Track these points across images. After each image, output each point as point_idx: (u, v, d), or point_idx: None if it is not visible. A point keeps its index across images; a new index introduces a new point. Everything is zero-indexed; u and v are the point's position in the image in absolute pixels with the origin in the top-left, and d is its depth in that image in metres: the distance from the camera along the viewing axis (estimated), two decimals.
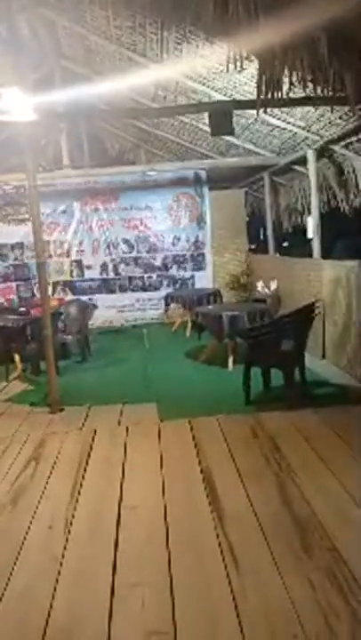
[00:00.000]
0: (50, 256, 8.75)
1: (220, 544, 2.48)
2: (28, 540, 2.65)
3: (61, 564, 2.42)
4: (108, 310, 9.01)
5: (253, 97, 4.11)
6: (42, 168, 8.47)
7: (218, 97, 5.91)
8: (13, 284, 9.05)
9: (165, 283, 9.20)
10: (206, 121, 5.34)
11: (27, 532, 2.70)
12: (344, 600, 2.05)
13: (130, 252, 9.14)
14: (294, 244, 12.71)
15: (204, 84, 5.85)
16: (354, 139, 5.60)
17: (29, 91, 4.42)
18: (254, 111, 5.16)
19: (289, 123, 6.07)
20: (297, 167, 7.34)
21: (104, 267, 9.13)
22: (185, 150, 8.70)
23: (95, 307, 7.50)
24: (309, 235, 6.74)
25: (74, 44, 6.61)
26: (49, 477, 3.34)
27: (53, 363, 4.75)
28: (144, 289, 9.20)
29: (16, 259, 9.00)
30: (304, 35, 3.04)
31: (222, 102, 5.68)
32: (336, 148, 5.99)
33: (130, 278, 9.19)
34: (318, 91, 3.74)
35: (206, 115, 5.12)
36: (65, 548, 2.55)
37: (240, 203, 9.41)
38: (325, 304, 5.55)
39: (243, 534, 2.56)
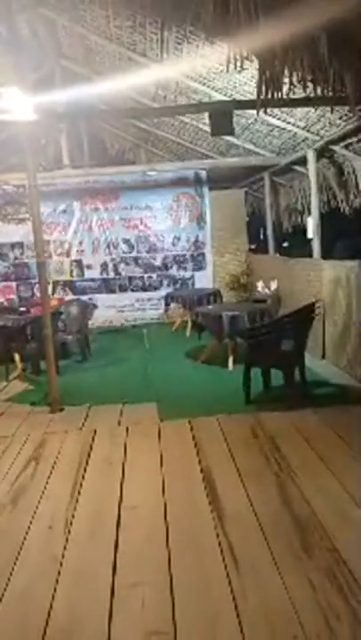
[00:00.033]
0: (50, 256, 8.75)
1: (220, 544, 2.48)
2: (28, 539, 2.65)
3: (61, 564, 2.42)
4: (108, 310, 9.01)
5: (254, 97, 4.10)
6: (42, 168, 8.47)
7: (218, 97, 5.92)
8: (13, 284, 9.05)
9: (165, 282, 9.20)
10: (206, 121, 5.35)
11: (27, 532, 2.70)
12: (344, 600, 2.05)
13: (130, 252, 9.14)
14: (294, 244, 12.70)
15: (204, 84, 5.85)
16: (354, 139, 5.60)
17: (29, 90, 4.42)
18: (254, 111, 5.16)
19: (289, 123, 6.07)
20: (297, 167, 7.34)
21: (104, 266, 9.13)
22: (185, 150, 8.70)
23: (95, 306, 7.50)
24: (309, 235, 6.74)
25: (74, 44, 6.61)
26: (49, 477, 3.34)
27: (53, 362, 4.75)
28: (144, 289, 9.20)
29: (16, 258, 9.00)
30: (304, 35, 3.04)
31: (222, 102, 5.68)
32: (336, 148, 5.99)
33: (130, 278, 9.19)
34: (318, 91, 3.74)
35: (206, 115, 5.13)
36: (65, 548, 2.55)
37: (240, 203, 9.41)
38: (325, 304, 5.55)
39: (243, 534, 2.56)
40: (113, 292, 9.16)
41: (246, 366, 4.59)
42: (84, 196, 8.90)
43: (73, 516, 2.83)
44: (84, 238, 9.03)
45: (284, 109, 5.67)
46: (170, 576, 2.27)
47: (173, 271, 9.21)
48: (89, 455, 3.65)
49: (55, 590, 2.24)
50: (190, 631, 1.95)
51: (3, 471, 3.47)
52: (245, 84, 5.38)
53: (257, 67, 3.72)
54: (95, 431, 4.10)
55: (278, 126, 6.31)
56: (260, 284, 7.64)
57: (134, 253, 9.14)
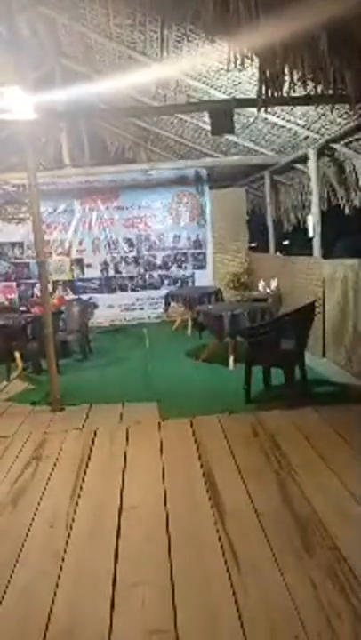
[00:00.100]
0: (50, 254, 8.75)
1: (220, 542, 2.48)
2: (29, 539, 2.65)
3: (62, 563, 2.43)
4: (109, 309, 9.01)
5: (254, 95, 4.09)
6: (42, 167, 8.47)
7: (218, 95, 5.91)
8: (14, 283, 9.06)
9: (166, 282, 9.20)
10: (207, 119, 5.34)
11: (28, 532, 2.71)
12: (345, 599, 2.05)
13: (130, 251, 9.14)
14: (295, 242, 12.70)
15: (204, 83, 5.84)
16: (355, 137, 5.59)
17: (30, 89, 4.42)
18: (255, 110, 5.16)
19: (290, 121, 6.06)
20: (298, 166, 7.33)
21: (104, 266, 9.13)
22: (185, 149, 8.70)
23: (96, 306, 7.50)
24: (310, 233, 6.74)
25: (74, 43, 6.60)
26: (50, 477, 3.35)
27: (54, 361, 4.75)
28: (144, 288, 9.20)
29: (17, 258, 9.01)
30: (305, 33, 3.03)
31: (223, 101, 5.67)
32: (337, 146, 5.99)
33: (130, 277, 9.19)
34: (319, 89, 3.74)
35: (207, 113, 5.12)
36: (66, 547, 2.56)
37: (241, 201, 9.40)
38: (326, 303, 5.55)
39: (243, 532, 2.56)
40: (113, 291, 9.16)
41: (247, 365, 4.59)
42: (84, 195, 8.90)
43: (74, 515, 2.83)
44: (85, 237, 9.02)
45: (285, 108, 5.66)
46: (170, 574, 2.28)
47: (174, 270, 9.21)
48: (90, 454, 3.66)
49: (56, 589, 2.24)
50: (191, 630, 1.96)
51: (4, 470, 3.48)
52: (246, 82, 5.38)
53: (257, 65, 3.71)
54: (96, 430, 4.11)
55: (279, 125, 6.30)
56: (260, 283, 7.64)
57: (134, 252, 9.14)
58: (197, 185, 9.07)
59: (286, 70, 3.44)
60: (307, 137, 6.24)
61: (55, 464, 3.53)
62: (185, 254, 9.20)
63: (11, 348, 6.04)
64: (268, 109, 5.65)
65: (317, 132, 5.98)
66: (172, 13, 4.50)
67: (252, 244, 11.08)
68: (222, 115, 4.64)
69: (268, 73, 3.56)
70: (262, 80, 3.62)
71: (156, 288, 9.16)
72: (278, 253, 9.07)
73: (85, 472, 3.37)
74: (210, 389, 5.06)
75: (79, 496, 3.05)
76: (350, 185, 6.39)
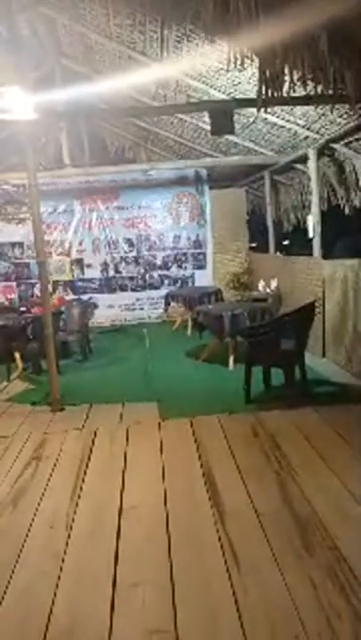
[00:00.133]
0: (50, 255, 8.75)
1: (220, 542, 2.48)
2: (29, 539, 2.65)
3: (62, 563, 2.43)
4: (109, 309, 9.01)
5: (254, 95, 4.09)
6: (42, 167, 8.47)
7: (218, 95, 5.91)
8: (14, 284, 9.06)
9: (166, 282, 9.20)
10: (207, 119, 5.34)
11: (28, 532, 2.71)
12: (345, 599, 2.05)
13: (130, 251, 9.14)
14: (295, 242, 12.70)
15: (204, 83, 5.84)
16: (355, 137, 5.59)
17: (30, 89, 4.42)
18: (255, 110, 5.16)
19: (289, 121, 6.06)
20: (298, 166, 7.33)
21: (104, 266, 9.14)
22: (185, 149, 8.70)
23: (96, 306, 7.50)
24: (310, 234, 6.74)
25: (74, 43, 6.60)
26: (50, 477, 3.35)
27: (54, 362, 4.75)
28: (144, 288, 9.21)
29: (17, 258, 9.01)
30: (305, 33, 3.04)
31: (223, 101, 5.67)
32: (337, 146, 5.99)
33: (130, 277, 9.19)
34: (319, 89, 3.74)
35: (207, 113, 5.12)
36: (66, 547, 2.56)
37: (241, 201, 9.40)
38: (326, 303, 5.55)
39: (243, 532, 2.56)
40: (113, 291, 9.16)
41: (247, 365, 4.59)
42: (84, 195, 8.90)
43: (74, 515, 2.83)
44: (85, 238, 9.03)
45: (285, 108, 5.66)
46: (171, 575, 2.28)
47: (174, 270, 9.21)
48: (90, 454, 3.66)
49: (56, 589, 2.24)
50: (191, 629, 1.96)
51: (4, 471, 3.48)
52: (246, 82, 5.38)
53: (257, 65, 3.71)
54: (96, 430, 4.11)
55: (279, 125, 6.30)
56: (260, 283, 7.64)
57: (135, 252, 9.14)
58: (197, 185, 9.07)
59: (286, 70, 3.44)
60: (307, 137, 6.24)
61: (55, 464, 3.53)
62: (185, 254, 9.20)
63: (11, 348, 6.04)
64: (268, 109, 5.65)
65: (317, 132, 5.98)
66: (172, 13, 4.50)
67: (253, 244, 11.08)
68: (222, 115, 4.64)
69: (268, 73, 3.57)
70: (262, 80, 3.62)
71: (156, 288, 9.17)
72: (278, 253, 9.07)
73: (85, 472, 3.37)
74: (210, 389, 5.06)
75: (79, 496, 3.05)
76: (350, 185, 6.39)
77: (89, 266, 9.10)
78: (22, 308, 7.29)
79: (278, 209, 9.00)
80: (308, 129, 6.04)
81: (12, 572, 2.38)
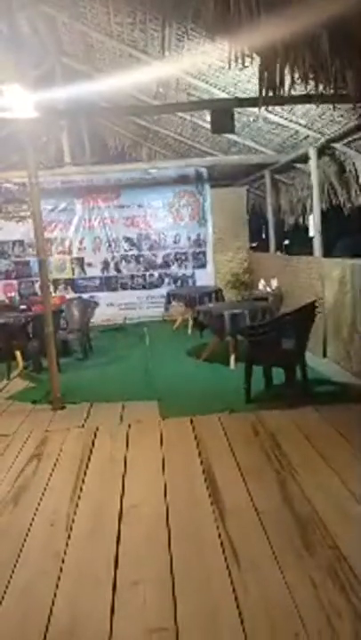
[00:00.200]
0: (50, 253, 8.75)
1: (221, 541, 2.49)
2: (30, 537, 2.65)
3: (63, 562, 2.43)
4: (110, 308, 9.02)
5: (255, 94, 4.09)
6: (42, 165, 8.46)
7: (219, 94, 5.90)
8: (14, 282, 9.06)
9: (166, 280, 9.20)
10: (207, 118, 5.34)
11: (28, 530, 2.71)
12: (346, 597, 2.05)
13: (131, 250, 9.14)
14: (296, 242, 12.68)
15: (205, 82, 5.83)
16: (355, 137, 5.59)
17: (30, 88, 4.42)
18: (256, 109, 5.15)
19: (290, 120, 6.06)
20: (298, 165, 7.32)
21: (105, 264, 9.14)
22: (186, 148, 8.69)
23: (96, 304, 7.50)
24: (311, 233, 6.73)
25: (74, 41, 6.59)
26: (51, 475, 3.35)
27: (55, 360, 4.75)
28: (145, 287, 9.21)
29: (17, 256, 9.01)
30: (306, 32, 3.03)
31: (224, 100, 5.67)
32: (338, 145, 5.98)
33: (131, 276, 9.19)
34: (320, 88, 3.73)
35: (207, 112, 5.11)
36: (66, 545, 2.56)
37: (241, 201, 9.40)
38: (327, 302, 5.55)
39: (244, 531, 2.56)
40: (114, 290, 9.17)
41: (247, 364, 4.59)
42: (84, 193, 8.90)
43: (75, 514, 2.84)
44: (85, 236, 9.03)
45: (286, 107, 5.66)
46: (171, 573, 2.28)
47: (174, 269, 9.22)
48: (90, 453, 3.66)
49: (56, 589, 2.24)
50: (191, 627, 1.96)
51: (4, 469, 3.48)
52: (247, 81, 5.37)
53: (258, 64, 3.71)
54: (97, 429, 4.11)
55: (279, 124, 6.29)
56: (261, 283, 7.64)
57: (135, 251, 9.14)
58: (198, 184, 9.07)
59: (287, 69, 3.43)
60: (307, 136, 6.23)
61: (56, 463, 3.53)
62: (185, 253, 9.20)
63: (11, 346, 6.04)
64: (269, 108, 5.65)
65: (318, 132, 5.97)
66: (173, 12, 4.50)
67: (253, 244, 11.08)
68: (223, 113, 4.63)
69: (268, 72, 3.55)
70: (263, 79, 3.61)
71: (157, 287, 9.17)
72: (279, 253, 9.06)
73: (86, 470, 3.38)
74: (210, 388, 5.06)
75: (79, 495, 3.06)
76: (351, 184, 6.39)
77: (89, 264, 9.11)
78: (23, 307, 7.31)
79: (279, 208, 8.99)
80: (308, 128, 6.03)
81: (13, 571, 2.38)
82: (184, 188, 9.06)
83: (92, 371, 6.12)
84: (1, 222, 8.90)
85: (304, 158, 6.55)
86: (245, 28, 3.04)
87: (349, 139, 5.71)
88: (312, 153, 6.19)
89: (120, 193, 8.97)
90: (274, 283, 7.21)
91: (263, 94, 3.65)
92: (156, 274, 9.21)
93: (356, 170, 6.12)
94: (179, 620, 1.99)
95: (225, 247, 9.25)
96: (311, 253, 6.42)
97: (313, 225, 6.56)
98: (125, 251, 9.12)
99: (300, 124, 6.05)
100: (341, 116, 5.29)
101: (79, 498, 3.02)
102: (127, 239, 9.11)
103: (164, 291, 8.86)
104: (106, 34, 5.80)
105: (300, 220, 8.63)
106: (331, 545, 2.40)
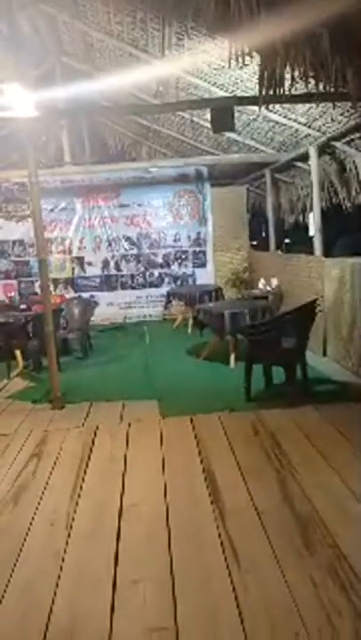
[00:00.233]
0: (50, 252, 8.74)
1: (221, 540, 2.49)
2: (30, 536, 2.65)
3: (63, 561, 2.43)
4: (110, 307, 9.01)
5: (255, 93, 4.09)
6: (43, 164, 8.46)
7: (219, 93, 5.90)
8: (14, 281, 9.06)
9: (166, 279, 9.20)
10: (208, 117, 5.33)
11: (28, 529, 2.71)
12: (346, 596, 2.05)
13: (131, 249, 9.14)
14: (296, 240, 12.69)
15: (205, 81, 5.83)
16: (356, 135, 5.58)
17: (30, 87, 4.42)
18: (256, 107, 5.16)
19: (291, 119, 6.06)
20: (298, 164, 7.32)
21: (105, 264, 9.13)
22: (186, 147, 8.69)
23: (96, 304, 7.50)
24: (311, 232, 6.73)
25: (75, 41, 6.59)
26: (51, 474, 3.35)
27: (55, 359, 4.75)
28: (145, 286, 9.20)
29: (17, 255, 9.01)
30: (306, 31, 3.02)
31: (224, 99, 5.67)
32: (338, 144, 5.97)
33: (131, 275, 9.19)
34: (320, 87, 3.73)
35: (208, 111, 5.11)
36: (66, 544, 2.56)
37: (241, 199, 9.39)
38: (327, 301, 5.54)
39: (244, 530, 2.56)
40: (114, 289, 9.16)
41: (247, 363, 4.59)
42: (85, 193, 8.90)
43: (74, 513, 2.84)
44: (86, 235, 9.03)
45: (286, 106, 5.65)
46: (171, 571, 2.28)
47: (174, 268, 9.21)
48: (90, 452, 3.66)
49: (57, 587, 2.24)
50: (191, 627, 1.96)
51: (4, 468, 3.48)
52: (247, 80, 5.37)
53: (258, 63, 3.70)
54: (97, 428, 4.11)
55: (280, 122, 6.29)
56: (261, 281, 7.64)
57: (135, 250, 9.14)
58: (198, 183, 9.06)
59: (287, 68, 3.42)
60: (308, 135, 6.23)
61: (56, 462, 3.53)
62: (186, 252, 9.20)
63: (11, 345, 6.04)
64: (269, 107, 5.65)
65: (318, 130, 5.97)
66: (173, 11, 4.50)
67: (253, 243, 11.08)
68: (223, 112, 4.63)
69: (269, 70, 3.55)
70: (263, 78, 3.61)
71: (157, 286, 9.17)
72: (279, 251, 9.06)
73: (86, 470, 3.38)
74: (210, 387, 5.06)
75: (80, 493, 3.06)
76: (351, 183, 6.38)
77: (90, 264, 9.10)
78: (23, 306, 7.30)
79: (279, 207, 8.99)
80: (309, 127, 6.03)
81: (13, 570, 2.38)
82: (184, 187, 9.05)
83: (92, 370, 6.12)
84: (1, 221, 8.89)
85: (304, 157, 6.55)
86: (246, 27, 3.04)
87: (350, 137, 5.70)
88: (312, 152, 6.18)
89: (120, 192, 8.96)
90: (274, 281, 7.21)
91: (263, 93, 3.65)
92: (156, 273, 9.21)
93: (356, 168, 6.11)
94: (179, 620, 1.99)
95: (225, 246, 9.25)
96: (311, 252, 6.42)
97: (313, 223, 6.56)
98: (125, 250, 9.12)
99: (300, 123, 6.05)
100: (342, 114, 5.29)
101: (79, 497, 3.02)
102: (127, 238, 9.10)
103: (164, 290, 8.86)
104: (106, 33, 5.80)
105: (301, 218, 8.64)
106: (331, 544, 2.40)
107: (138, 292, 9.18)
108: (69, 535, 2.64)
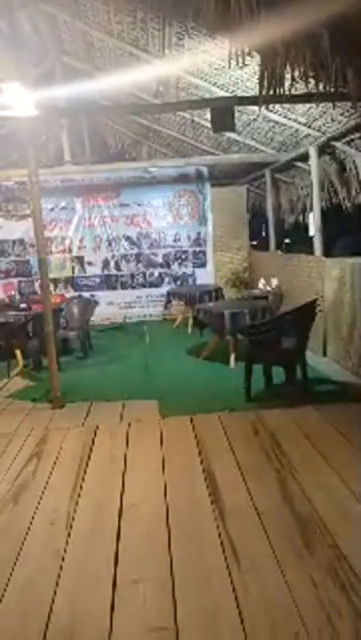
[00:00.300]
0: (51, 252, 8.74)
1: (221, 540, 2.49)
2: (30, 535, 2.65)
3: (63, 560, 2.43)
4: (110, 307, 9.02)
5: (255, 93, 4.09)
6: (42, 164, 8.46)
7: (220, 93, 5.90)
8: (15, 281, 9.06)
9: (166, 279, 9.20)
10: (208, 117, 5.33)
11: (28, 528, 2.71)
12: (346, 596, 2.05)
13: (131, 249, 9.14)
14: (296, 240, 12.68)
15: (205, 80, 5.83)
16: (356, 135, 5.58)
17: (31, 86, 4.42)
18: (256, 107, 5.15)
19: (291, 119, 6.05)
20: (299, 164, 7.32)
21: (105, 263, 9.13)
22: (186, 147, 8.69)
23: (96, 303, 7.50)
24: (311, 232, 6.73)
25: (75, 40, 6.59)
26: (51, 474, 3.35)
27: (55, 359, 4.75)
28: (145, 286, 9.20)
29: (17, 255, 9.01)
30: (306, 31, 3.02)
31: (224, 98, 5.66)
32: (338, 144, 5.97)
33: (131, 275, 9.19)
34: (320, 87, 3.73)
35: (208, 111, 5.11)
36: (66, 544, 2.56)
37: (242, 199, 9.39)
38: (327, 301, 5.55)
39: (244, 530, 2.56)
40: (114, 288, 9.16)
41: (247, 363, 4.59)
42: (85, 192, 8.90)
43: (75, 512, 2.84)
44: (86, 235, 9.03)
45: (286, 106, 5.65)
46: (171, 571, 2.28)
47: (174, 268, 9.21)
48: (90, 452, 3.66)
49: (57, 586, 2.24)
50: (191, 626, 1.96)
51: (4, 467, 3.48)
52: (247, 80, 5.37)
53: (258, 63, 3.70)
54: (97, 428, 4.11)
55: (280, 122, 6.29)
56: (261, 281, 7.64)
57: (135, 250, 9.14)
58: (198, 183, 9.06)
59: (288, 68, 3.42)
60: (308, 135, 6.23)
61: (56, 462, 3.53)
62: (186, 252, 9.20)
63: (11, 345, 6.04)
64: (270, 107, 5.64)
65: (318, 130, 5.97)
66: (174, 10, 4.50)
67: (253, 242, 11.07)
68: (223, 112, 4.63)
69: (269, 70, 3.55)
70: (263, 78, 3.61)
71: (157, 286, 9.17)
72: (279, 251, 9.06)
73: (86, 469, 3.38)
74: (210, 387, 5.06)
75: (80, 492, 3.06)
76: (351, 183, 6.38)
77: (90, 263, 9.10)
78: (23, 305, 7.30)
79: (279, 207, 8.99)
80: (309, 127, 6.03)
81: (13, 569, 2.38)
82: (184, 186, 9.05)
83: (92, 369, 6.12)
84: (1, 221, 8.89)
85: (304, 157, 6.54)
86: (246, 27, 3.04)
87: (350, 137, 5.70)
88: (312, 151, 6.18)
89: (120, 192, 8.96)
90: (274, 281, 7.21)
91: (263, 93, 3.65)
92: (156, 272, 9.20)
93: (356, 168, 6.11)
94: (179, 620, 1.99)
95: (225, 246, 9.25)
96: (311, 252, 6.42)
97: (313, 223, 6.56)
98: (125, 249, 9.12)
99: (300, 123, 6.05)
100: (342, 114, 5.29)
101: (79, 496, 3.02)
102: (127, 238, 9.10)
103: (164, 289, 8.86)
104: (106, 32, 5.80)
105: (301, 218, 8.64)
106: (331, 544, 2.40)
107: (138, 292, 9.18)
108: (69, 535, 2.64)
